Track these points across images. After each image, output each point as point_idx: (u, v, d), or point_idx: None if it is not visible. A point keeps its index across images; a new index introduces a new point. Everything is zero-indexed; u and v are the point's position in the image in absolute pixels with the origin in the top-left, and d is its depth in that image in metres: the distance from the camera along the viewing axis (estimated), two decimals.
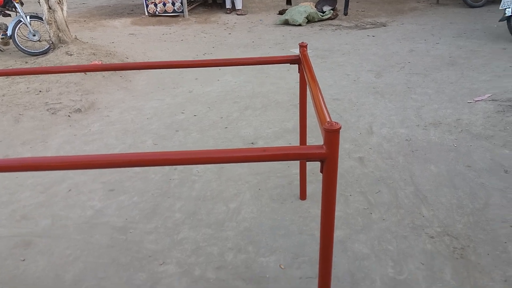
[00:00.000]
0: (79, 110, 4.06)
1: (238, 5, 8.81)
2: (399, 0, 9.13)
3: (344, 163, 2.90)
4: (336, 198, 2.47)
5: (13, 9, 6.33)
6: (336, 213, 2.39)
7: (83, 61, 5.20)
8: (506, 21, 5.27)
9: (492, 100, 3.62)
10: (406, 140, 3.18)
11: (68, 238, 2.31)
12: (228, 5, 8.89)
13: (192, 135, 3.50)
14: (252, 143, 3.31)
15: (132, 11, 9.77)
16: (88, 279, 2.02)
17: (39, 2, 5.66)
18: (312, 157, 1.21)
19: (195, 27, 7.96)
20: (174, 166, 3.02)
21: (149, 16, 8.77)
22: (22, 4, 6.29)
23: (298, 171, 2.83)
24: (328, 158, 1.19)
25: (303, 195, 2.56)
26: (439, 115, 3.54)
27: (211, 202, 2.58)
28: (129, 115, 3.99)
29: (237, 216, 2.43)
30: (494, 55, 5.02)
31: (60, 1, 5.77)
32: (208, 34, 7.40)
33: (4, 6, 6.28)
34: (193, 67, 2.44)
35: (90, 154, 1.26)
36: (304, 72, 1.96)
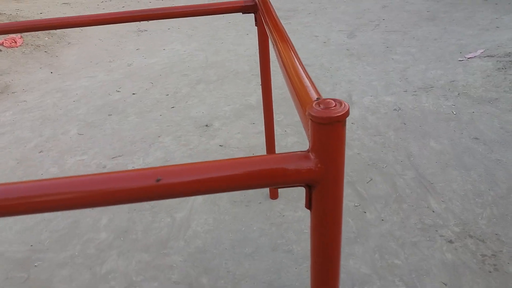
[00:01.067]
0: None
1: None
2: None
3: None
4: None
5: None
6: None
7: None
8: None
9: (488, 56, 3.08)
10: (395, 110, 2.60)
11: None
12: None
13: (129, 119, 2.78)
14: (207, 125, 2.63)
15: None
16: None
17: None
18: (286, 182, 0.56)
19: None
20: (104, 163, 2.31)
21: None
22: None
23: None
24: (322, 181, 0.55)
25: (274, 193, 1.94)
26: (428, 77, 2.97)
27: (150, 212, 1.91)
28: (52, 98, 3.20)
29: (186, 230, 1.78)
30: (476, 6, 4.49)
31: None
32: None
33: None
34: (118, 23, 1.73)
35: None
36: (265, 24, 1.31)
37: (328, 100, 0.51)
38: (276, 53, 1.01)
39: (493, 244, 1.59)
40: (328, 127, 0.49)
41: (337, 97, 2.77)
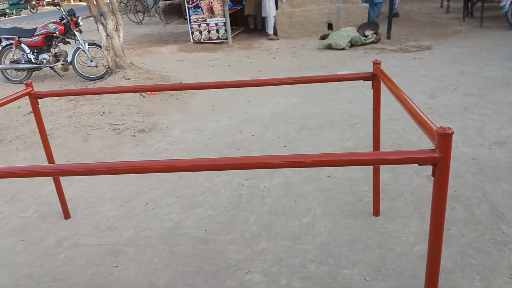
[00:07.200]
0: (142, 130, 4.26)
1: (270, 30, 9.09)
2: (441, 24, 9.14)
3: (413, 181, 2.91)
4: (411, 214, 2.49)
5: (73, 37, 6.76)
6: (413, 229, 2.41)
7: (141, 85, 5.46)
8: None
9: None
10: (472, 159, 3.17)
11: (153, 248, 2.42)
12: (270, 31, 9.15)
13: (253, 153, 3.60)
14: None
15: (177, 39, 10.20)
16: (179, 285, 2.10)
17: (98, 30, 6.03)
18: (425, 161, 1.27)
19: (239, 53, 8.22)
20: (242, 182, 3.11)
21: (194, 43, 9.12)
22: (81, 32, 6.72)
23: (366, 188, 2.87)
24: (441, 162, 1.25)
25: (376, 211, 2.59)
26: (502, 135, 3.51)
27: (284, 216, 2.64)
28: (190, 135, 4.15)
29: (312, 230, 2.48)
30: None
31: (117, 28, 6.14)
32: (253, 60, 7.62)
33: (64, 34, 6.72)
34: (262, 86, 2.56)
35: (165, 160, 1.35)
36: (386, 86, 2.04)
37: (445, 127, 1.22)
38: (398, 102, 1.73)
39: None
40: (444, 137, 1.19)
41: (422, 147, 3.41)
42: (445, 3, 11.02)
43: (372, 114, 2.40)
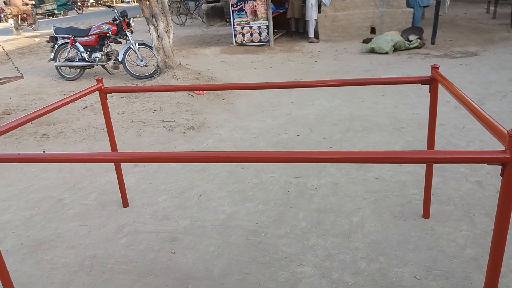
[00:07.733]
0: (192, 128, 4.43)
1: (311, 33, 9.16)
2: (487, 30, 8.91)
3: (462, 186, 2.91)
4: (461, 218, 2.50)
5: (124, 37, 7.07)
6: (464, 233, 2.43)
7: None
8: None
9: None
10: None
11: (208, 237, 2.55)
12: (311, 34, 9.21)
13: None
14: (362, 164, 3.42)
15: (219, 41, 10.42)
16: (235, 273, 2.22)
17: (149, 31, 6.30)
18: (495, 161, 1.32)
19: (281, 56, 8.32)
20: (289, 180, 3.21)
21: (237, 45, 9.30)
22: (132, 32, 7.03)
23: (415, 191, 2.90)
24: (511, 162, 1.30)
25: (426, 214, 2.61)
26: None
27: (333, 214, 2.71)
28: (237, 133, 4.28)
29: (362, 229, 2.54)
30: None
31: (167, 29, 6.38)
32: (294, 62, 7.70)
33: (116, 34, 7.04)
34: (315, 87, 2.64)
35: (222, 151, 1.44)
36: (446, 88, 2.08)
37: None
38: (462, 105, 1.77)
39: None
40: None
41: None
42: (492, 8, 10.73)
43: (428, 116, 2.43)
